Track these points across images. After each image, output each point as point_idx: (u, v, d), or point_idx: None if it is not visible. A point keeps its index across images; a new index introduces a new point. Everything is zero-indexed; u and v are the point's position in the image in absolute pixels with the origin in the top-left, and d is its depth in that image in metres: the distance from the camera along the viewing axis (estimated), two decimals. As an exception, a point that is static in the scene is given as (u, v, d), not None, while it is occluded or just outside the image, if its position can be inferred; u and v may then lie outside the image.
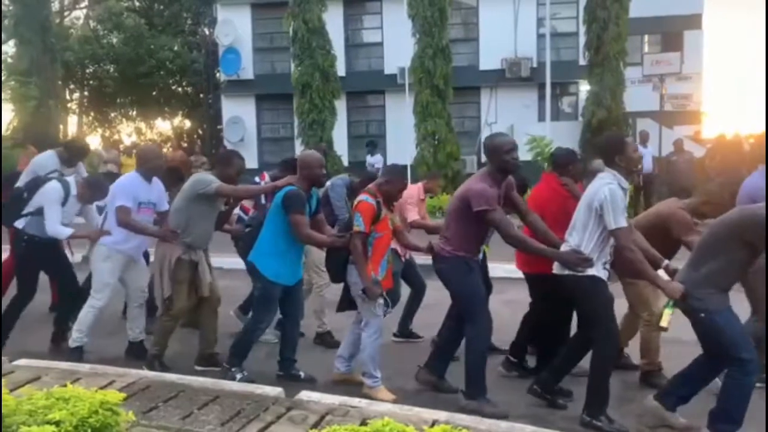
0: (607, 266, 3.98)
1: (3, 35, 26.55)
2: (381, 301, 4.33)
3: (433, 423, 3.23)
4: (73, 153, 5.92)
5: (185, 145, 25.73)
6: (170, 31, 26.56)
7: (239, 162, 4.94)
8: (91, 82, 27.00)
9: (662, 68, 14.77)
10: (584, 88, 17.59)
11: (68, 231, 5.00)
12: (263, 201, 5.39)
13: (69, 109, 25.82)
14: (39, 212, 5.00)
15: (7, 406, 2.25)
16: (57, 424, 2.15)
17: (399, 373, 4.73)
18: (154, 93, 27.11)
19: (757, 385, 3.95)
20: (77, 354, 4.84)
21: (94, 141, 29.24)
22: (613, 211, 3.69)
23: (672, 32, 18.79)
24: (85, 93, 27.53)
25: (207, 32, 24.87)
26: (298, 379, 4.58)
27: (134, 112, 28.97)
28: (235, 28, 19.64)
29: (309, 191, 4.51)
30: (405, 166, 5.90)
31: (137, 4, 27.53)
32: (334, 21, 18.03)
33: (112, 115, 28.85)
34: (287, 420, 3.26)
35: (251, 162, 18.00)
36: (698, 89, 17.93)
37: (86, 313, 4.93)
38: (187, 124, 29.08)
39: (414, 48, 16.29)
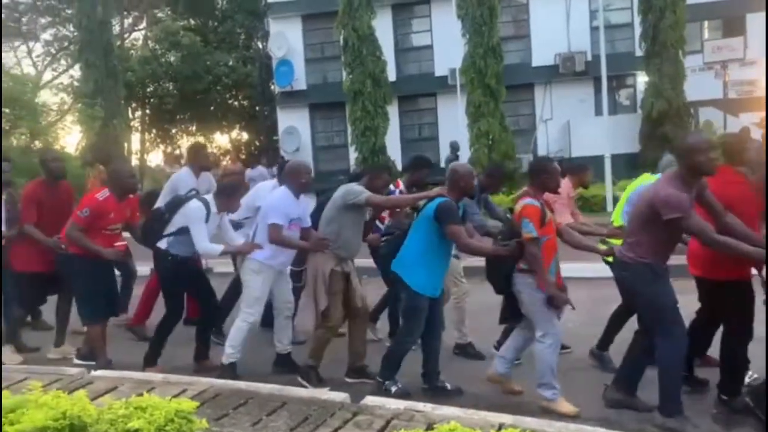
0: None
1: (69, 60, 27.83)
2: (569, 307, 4.12)
3: (500, 426, 3.21)
4: (190, 159, 5.93)
5: (243, 157, 26.35)
6: (225, 47, 27.26)
7: (387, 175, 5.04)
8: (151, 100, 27.96)
9: (724, 54, 14.25)
10: (642, 79, 17.12)
11: (219, 248, 4.95)
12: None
13: (132, 127, 26.79)
14: (180, 232, 4.95)
15: (90, 415, 2.36)
16: (136, 432, 2.25)
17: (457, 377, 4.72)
18: (211, 108, 27.86)
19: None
20: (231, 370, 4.78)
21: (156, 157, 30.33)
22: None
23: (733, 16, 18.07)
24: (147, 111, 28.51)
25: (260, 46, 25.44)
26: (445, 392, 4.45)
27: (194, 127, 29.83)
28: (287, 41, 20.01)
29: (459, 202, 4.45)
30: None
31: (192, 22, 28.36)
32: (383, 27, 18.15)
33: (173, 131, 29.78)
34: (353, 425, 3.30)
35: (307, 171, 18.24)
36: (763, 74, 17.17)
37: (238, 329, 4.86)
38: (245, 136, 29.76)
39: (464, 48, 16.22)
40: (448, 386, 4.51)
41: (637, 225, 3.91)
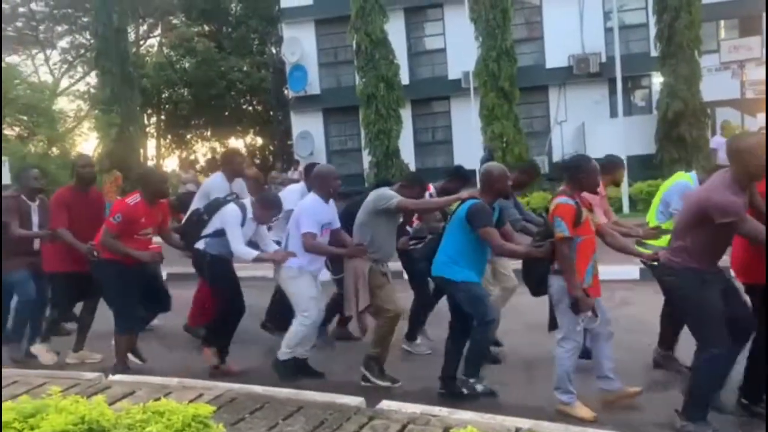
0: None
1: (85, 67, 28.15)
2: (589, 313, 4.02)
3: (517, 431, 3.19)
4: (224, 164, 5.93)
5: (258, 161, 26.49)
6: (239, 53, 27.45)
7: (420, 189, 5.09)
8: (167, 106, 28.21)
9: (741, 54, 14.08)
10: (657, 80, 16.98)
11: (254, 253, 4.96)
12: None
13: (148, 133, 27.04)
14: (217, 234, 5.02)
15: (108, 420, 2.38)
16: (154, 436, 2.26)
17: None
18: (226, 113, 28.04)
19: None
20: (284, 368, 4.84)
21: (172, 163, 30.56)
22: None
23: (750, 15, 17.87)
24: (162, 117, 28.78)
25: (274, 51, 25.58)
26: (464, 396, 4.38)
27: (208, 133, 30.07)
28: (300, 46, 20.09)
29: (493, 204, 4.44)
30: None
31: (207, 28, 28.60)
32: (396, 31, 18.17)
33: (188, 136, 30.04)
34: (369, 429, 3.29)
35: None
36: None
37: (296, 331, 4.87)
38: (259, 141, 29.93)
39: (477, 51, 16.19)
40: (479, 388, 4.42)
41: (685, 229, 3.75)
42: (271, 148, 27.41)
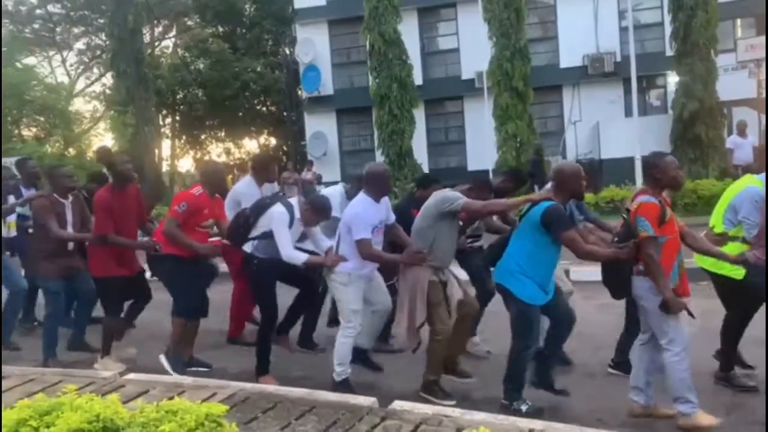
0: None
1: (101, 69, 28.40)
2: (684, 313, 3.79)
3: (530, 432, 3.18)
4: (258, 172, 5.86)
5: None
6: (253, 54, 27.58)
7: (488, 192, 4.81)
8: (181, 106, 28.41)
9: (758, 53, 13.90)
10: (673, 79, 16.84)
11: (304, 256, 4.74)
12: None
13: (162, 133, 27.25)
14: (264, 236, 4.83)
15: (122, 418, 2.40)
16: (167, 435, 2.28)
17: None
18: (240, 114, 28.20)
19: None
20: (346, 386, 4.55)
21: (186, 163, 30.77)
22: None
23: (765, 14, 17.68)
24: (177, 117, 28.98)
25: (287, 52, 25.67)
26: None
27: (223, 133, 30.24)
28: (314, 46, 20.15)
29: (566, 205, 4.18)
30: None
31: (221, 29, 28.76)
32: (409, 31, 18.17)
33: (203, 137, 30.23)
34: (382, 429, 3.29)
35: (334, 175, 18.37)
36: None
37: (342, 345, 4.64)
38: (273, 141, 30.05)
39: (491, 51, 16.15)
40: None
41: None
42: (285, 148, 27.50)
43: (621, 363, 4.74)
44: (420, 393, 4.44)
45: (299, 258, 4.71)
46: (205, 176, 5.22)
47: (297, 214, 4.81)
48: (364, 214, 4.55)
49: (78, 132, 26.61)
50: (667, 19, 15.85)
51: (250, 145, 31.21)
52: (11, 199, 6.42)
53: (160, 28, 29.92)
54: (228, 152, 30.88)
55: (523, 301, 4.09)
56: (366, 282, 4.73)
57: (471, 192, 4.90)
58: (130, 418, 2.41)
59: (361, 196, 4.67)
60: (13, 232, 6.73)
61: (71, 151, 24.34)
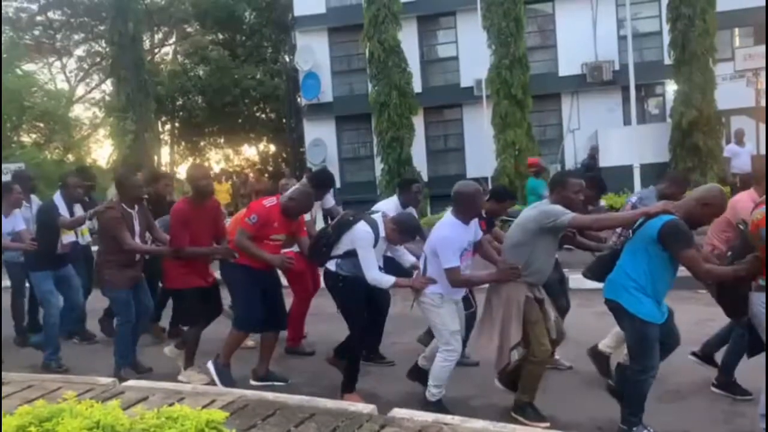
0: None
1: (101, 75, 28.44)
2: None
3: (529, 440, 3.18)
4: (317, 187, 5.75)
5: (270, 169, 26.63)
6: (252, 61, 27.65)
7: (577, 182, 4.28)
8: (181, 113, 28.45)
9: (756, 62, 13.95)
10: (671, 88, 16.90)
11: (391, 279, 4.54)
12: None
13: (162, 140, 27.27)
14: (347, 255, 4.67)
15: (122, 425, 2.40)
16: (168, 441, 2.28)
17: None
18: (239, 121, 28.23)
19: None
20: (439, 406, 4.38)
21: (186, 169, 30.80)
22: None
23: (765, 23, 17.77)
24: (176, 124, 29.01)
25: (287, 59, 25.73)
26: None
27: (222, 140, 30.27)
28: (313, 54, 20.20)
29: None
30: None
31: (221, 36, 28.84)
32: (409, 38, 18.21)
33: (202, 143, 30.27)
34: (381, 437, 3.29)
35: (334, 182, 18.33)
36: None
37: (441, 368, 4.43)
38: (272, 148, 30.09)
39: (490, 59, 16.19)
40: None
41: None
42: (284, 155, 27.54)
43: (726, 383, 4.58)
44: (511, 413, 4.29)
45: (387, 282, 4.54)
46: (295, 199, 5.02)
47: (382, 232, 4.63)
48: (456, 239, 4.28)
49: (78, 138, 26.61)
50: (666, 28, 15.90)
51: (250, 152, 31.28)
52: (77, 208, 6.42)
53: (160, 35, 30.00)
54: (227, 159, 30.92)
55: (641, 319, 3.81)
56: (455, 304, 4.53)
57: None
58: (131, 424, 2.41)
59: (450, 218, 4.41)
60: (88, 238, 6.80)
61: (71, 157, 24.35)
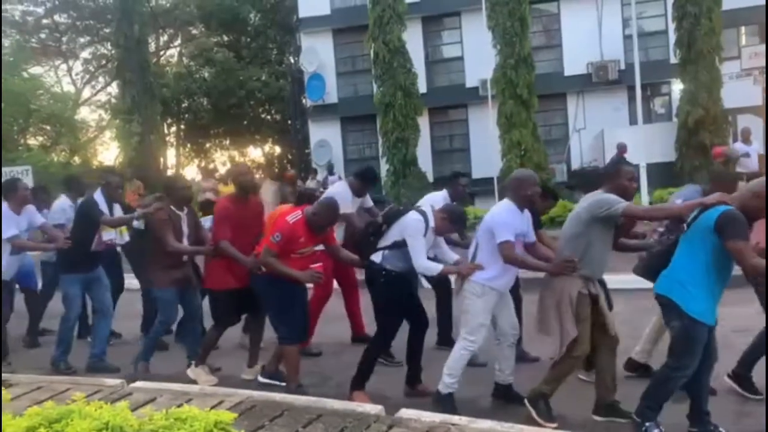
0: None
1: (107, 78, 28.56)
2: None
3: (537, 440, 3.17)
4: (364, 182, 5.87)
5: (276, 170, 26.67)
6: (258, 62, 27.72)
7: (630, 169, 4.20)
8: (186, 115, 28.53)
9: (762, 60, 13.91)
10: (677, 87, 16.85)
11: (440, 267, 4.57)
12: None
13: (167, 142, 27.37)
14: (396, 245, 4.63)
15: (131, 426, 2.41)
16: (176, 442, 2.29)
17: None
18: (245, 122, 28.30)
19: None
20: (448, 401, 4.38)
21: (191, 171, 30.87)
22: None
23: (765, 23, 17.71)
24: (182, 126, 29.11)
25: (292, 61, 25.77)
26: None
27: (227, 142, 30.35)
28: (318, 55, 20.23)
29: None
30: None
31: (226, 38, 28.91)
32: (413, 39, 18.22)
33: (207, 145, 30.35)
34: (389, 438, 3.29)
35: (339, 183, 18.34)
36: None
37: (460, 357, 4.42)
38: (277, 150, 30.14)
39: (495, 59, 16.18)
40: (722, 430, 3.84)
41: None
42: (290, 156, 27.58)
43: (742, 378, 4.50)
44: (525, 400, 4.27)
45: (435, 269, 4.57)
46: (319, 212, 4.84)
47: (431, 223, 4.63)
48: (510, 219, 4.30)
49: (84, 140, 26.76)
50: (671, 27, 15.87)
51: (255, 153, 31.34)
52: (117, 208, 6.44)
53: (166, 38, 30.12)
54: (233, 160, 30.98)
55: (690, 317, 3.67)
56: (498, 296, 4.47)
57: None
58: (139, 425, 2.42)
59: (506, 202, 4.41)
60: (126, 237, 6.84)
61: (77, 159, 24.48)
